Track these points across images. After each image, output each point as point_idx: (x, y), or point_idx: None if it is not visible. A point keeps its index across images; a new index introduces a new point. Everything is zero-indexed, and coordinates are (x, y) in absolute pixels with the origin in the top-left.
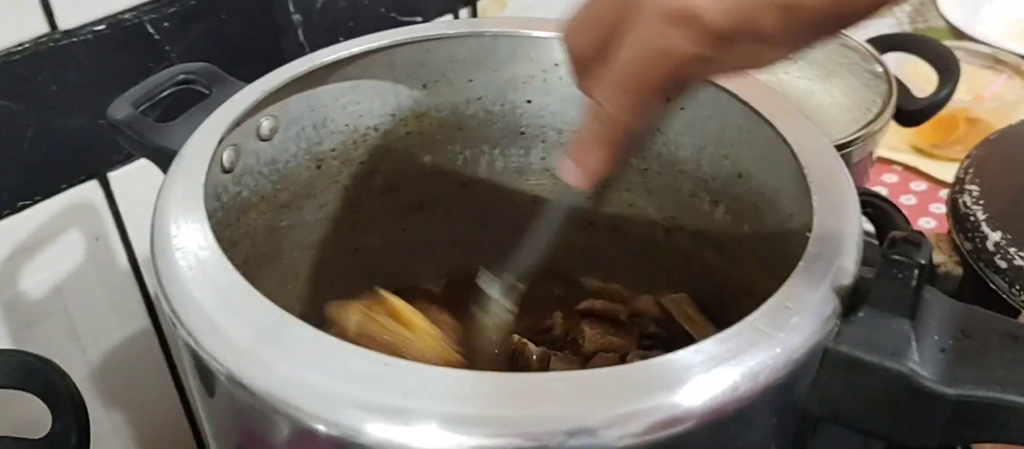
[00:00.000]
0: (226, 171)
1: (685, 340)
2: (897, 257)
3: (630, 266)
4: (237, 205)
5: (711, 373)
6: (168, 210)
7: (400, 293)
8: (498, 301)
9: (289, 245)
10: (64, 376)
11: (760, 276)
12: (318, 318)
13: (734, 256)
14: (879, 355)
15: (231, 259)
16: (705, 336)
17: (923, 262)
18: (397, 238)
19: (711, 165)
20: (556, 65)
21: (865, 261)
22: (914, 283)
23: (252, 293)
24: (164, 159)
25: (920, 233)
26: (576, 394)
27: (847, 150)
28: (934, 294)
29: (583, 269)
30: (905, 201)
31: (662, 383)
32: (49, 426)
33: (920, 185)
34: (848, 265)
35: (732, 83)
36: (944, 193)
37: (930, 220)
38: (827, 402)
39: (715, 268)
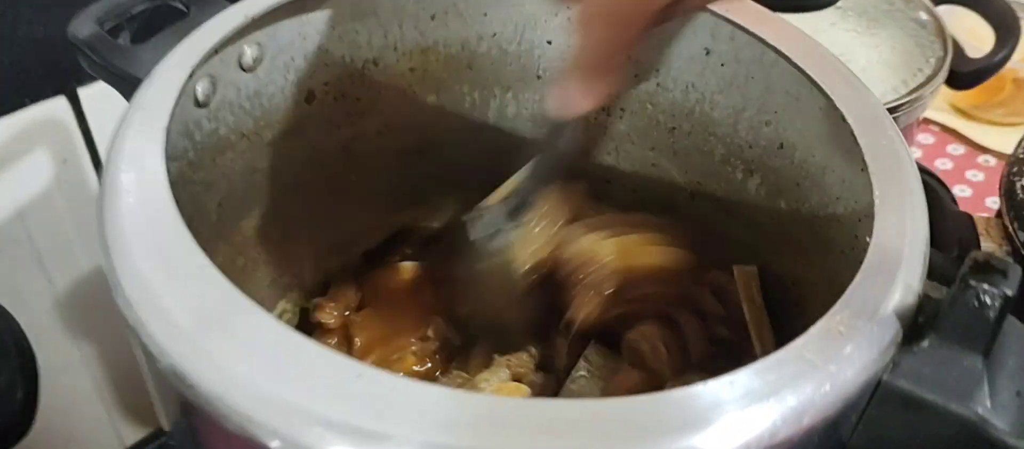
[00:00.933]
0: (200, 105)
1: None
2: (979, 284)
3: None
4: (212, 143)
5: (746, 411)
6: (122, 154)
7: (392, 244)
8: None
9: (272, 187)
10: (11, 323)
11: (792, 261)
12: (300, 266)
13: (764, 234)
14: (943, 396)
15: (204, 204)
16: (760, 331)
17: (1010, 293)
18: (393, 183)
19: (749, 131)
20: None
21: (930, 273)
22: (995, 315)
23: (207, 267)
24: (129, 88)
25: (1007, 259)
26: (581, 429)
27: (891, 115)
28: (1014, 327)
29: None
30: (940, 165)
31: (685, 422)
32: None
33: (958, 148)
34: (913, 281)
35: (782, 41)
36: (983, 159)
37: (965, 188)
38: (873, 441)
39: (741, 245)
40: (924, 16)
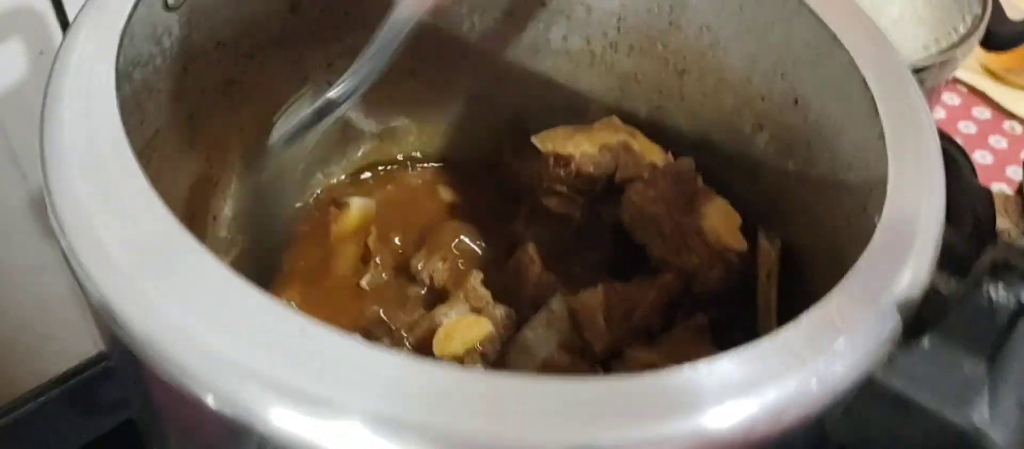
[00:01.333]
0: (170, 8)
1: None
2: (993, 283)
3: None
4: (184, 51)
5: (723, 405)
6: (70, 57)
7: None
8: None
9: (250, 101)
10: None
11: (794, 227)
12: (278, 188)
13: (768, 193)
14: (938, 400)
15: (174, 115)
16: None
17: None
18: (380, 104)
19: (764, 82)
20: None
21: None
22: (1006, 319)
23: (150, 196)
24: None
25: None
26: (528, 408)
27: (919, 75)
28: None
29: None
30: (963, 128)
31: (650, 410)
32: None
33: (983, 112)
34: (921, 272)
35: None
36: (1009, 125)
37: (986, 155)
38: (858, 438)
39: (744, 201)
40: None
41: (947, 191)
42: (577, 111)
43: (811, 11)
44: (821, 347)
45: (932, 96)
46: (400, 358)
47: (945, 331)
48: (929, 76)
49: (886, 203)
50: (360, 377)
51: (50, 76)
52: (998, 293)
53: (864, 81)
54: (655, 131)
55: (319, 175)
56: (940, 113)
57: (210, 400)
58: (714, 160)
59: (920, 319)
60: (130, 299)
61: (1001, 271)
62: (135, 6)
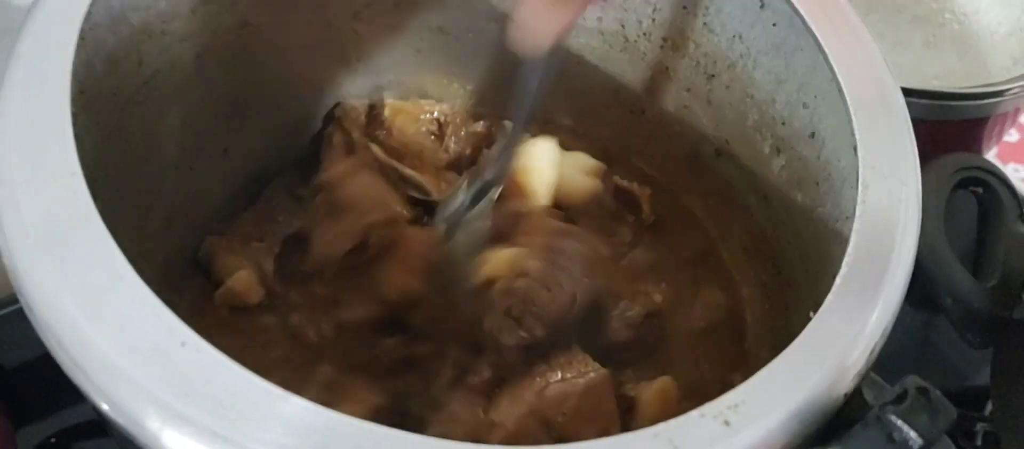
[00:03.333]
0: None
1: None
2: (898, 420)
3: (673, 167)
4: None
5: None
6: (38, 18)
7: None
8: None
9: (268, 47)
10: None
11: (795, 257)
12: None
13: (777, 217)
14: None
15: (179, 55)
16: None
17: (930, 441)
18: (407, 59)
19: (787, 107)
20: None
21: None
22: None
23: (76, 176)
24: None
25: (944, 399)
26: None
27: (994, 100)
28: None
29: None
30: (1014, 173)
31: None
32: None
33: None
34: (843, 379)
35: (830, 32)
36: None
37: None
38: None
39: (755, 216)
40: None
41: (983, 231)
42: (603, 102)
43: (825, 58)
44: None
45: (997, 124)
46: (279, 393)
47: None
48: (1005, 102)
49: (829, 298)
50: (251, 410)
51: (19, 31)
52: (900, 431)
53: (855, 148)
54: (682, 129)
55: None
56: (1013, 136)
57: (103, 405)
58: (732, 171)
59: (831, 426)
60: (31, 271)
61: (908, 403)
62: None
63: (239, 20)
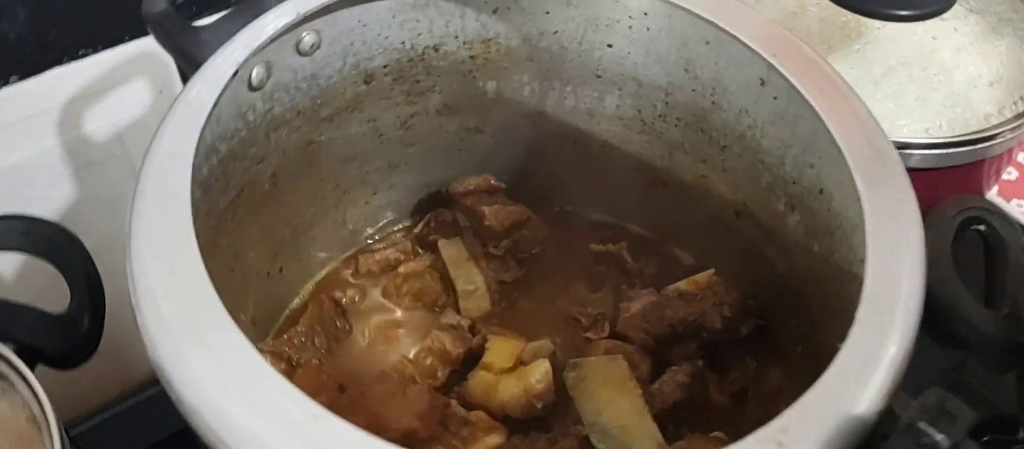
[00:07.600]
0: (254, 89)
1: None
2: (925, 428)
3: (696, 235)
4: (267, 122)
5: None
6: (156, 155)
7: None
8: None
9: (328, 158)
10: (81, 250)
11: (816, 305)
12: (355, 221)
13: (797, 270)
14: None
15: (258, 175)
16: None
17: (953, 441)
18: (451, 158)
19: (795, 168)
20: (645, 14)
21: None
22: None
23: (201, 276)
24: (192, 67)
25: (962, 405)
26: None
27: (985, 145)
28: None
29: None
30: (1017, 208)
31: None
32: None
33: None
34: (877, 398)
35: (824, 99)
36: None
37: None
38: None
39: (778, 270)
40: None
41: (990, 268)
42: (628, 166)
43: (823, 123)
44: None
45: (992, 167)
46: None
47: None
48: (996, 146)
49: (852, 330)
50: None
51: (141, 168)
52: (926, 437)
53: (859, 198)
54: (702, 195)
55: None
56: (1012, 174)
57: None
58: (754, 230)
59: (875, 434)
60: (175, 365)
61: (932, 414)
62: (213, 107)
63: (304, 139)
